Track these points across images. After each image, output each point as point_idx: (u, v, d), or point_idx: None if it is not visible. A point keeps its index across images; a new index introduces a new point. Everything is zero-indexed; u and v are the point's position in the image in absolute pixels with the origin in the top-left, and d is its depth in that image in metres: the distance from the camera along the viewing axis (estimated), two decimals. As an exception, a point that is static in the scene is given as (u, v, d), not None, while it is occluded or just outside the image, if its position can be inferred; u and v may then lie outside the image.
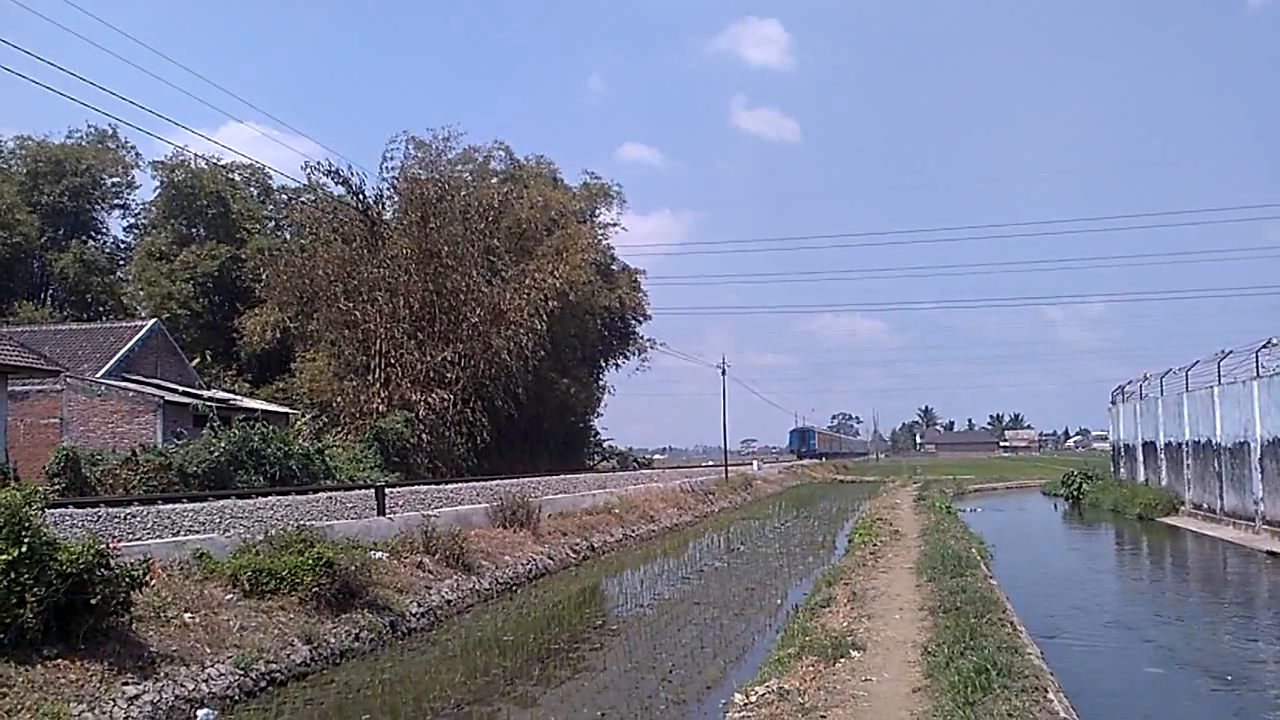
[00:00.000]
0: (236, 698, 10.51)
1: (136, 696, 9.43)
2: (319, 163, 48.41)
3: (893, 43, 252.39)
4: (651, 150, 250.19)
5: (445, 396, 37.83)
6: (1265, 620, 14.82)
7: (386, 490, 21.54)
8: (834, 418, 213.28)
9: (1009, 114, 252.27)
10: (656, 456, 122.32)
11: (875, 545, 20.73)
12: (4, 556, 9.13)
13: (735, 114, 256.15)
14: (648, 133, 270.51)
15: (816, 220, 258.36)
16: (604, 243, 53.01)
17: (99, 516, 14.20)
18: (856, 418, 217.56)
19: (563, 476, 36.40)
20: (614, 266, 55.72)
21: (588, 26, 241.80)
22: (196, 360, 41.38)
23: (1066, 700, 8.10)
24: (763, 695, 8.68)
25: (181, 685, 10.03)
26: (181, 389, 33.55)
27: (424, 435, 36.22)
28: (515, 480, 30.20)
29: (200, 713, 9.84)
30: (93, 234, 55.83)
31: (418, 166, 44.02)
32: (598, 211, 55.44)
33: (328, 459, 29.08)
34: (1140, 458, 36.53)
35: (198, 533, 14.81)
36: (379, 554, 16.13)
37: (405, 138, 44.21)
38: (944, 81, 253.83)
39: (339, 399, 38.37)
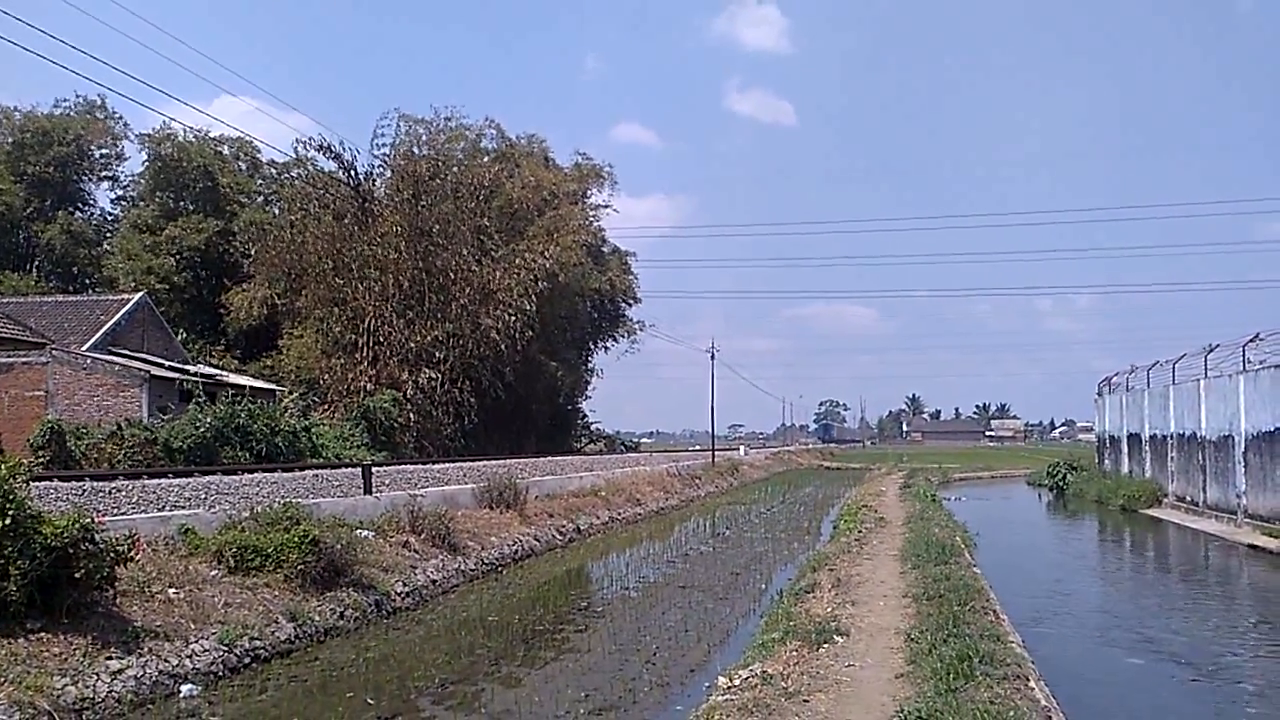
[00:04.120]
0: (220, 674, 10.51)
1: (120, 671, 9.41)
2: (310, 138, 47.95)
3: (888, 29, 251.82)
4: (647, 131, 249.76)
5: (433, 376, 37.74)
6: (1245, 613, 14.96)
7: (373, 469, 21.51)
8: (821, 404, 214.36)
9: (1003, 103, 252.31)
10: (644, 440, 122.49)
11: (860, 532, 20.83)
12: (-13, 529, 9.09)
13: (731, 97, 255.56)
14: (643, 114, 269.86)
15: (809, 206, 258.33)
16: (595, 224, 52.74)
17: (84, 490, 14.15)
18: (844, 405, 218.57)
19: (550, 458, 36.41)
20: (604, 248, 55.48)
21: (584, 5, 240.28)
22: (181, 336, 41.10)
23: (1047, 689, 8.17)
24: (746, 679, 8.72)
25: (165, 660, 10.02)
26: (168, 364, 33.36)
27: (411, 414, 36.16)
28: (502, 461, 30.21)
29: (184, 688, 9.84)
30: (80, 205, 55.28)
31: (409, 143, 43.78)
32: (589, 193, 55.11)
33: (314, 437, 29.02)
34: (1125, 449, 36.77)
35: (183, 508, 14.76)
36: (365, 533, 16.13)
37: (397, 114, 43.91)
38: (938, 70, 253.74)
39: (326, 377, 38.20)
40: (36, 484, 12.12)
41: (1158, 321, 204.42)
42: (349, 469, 22.26)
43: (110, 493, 14.51)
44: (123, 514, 13.50)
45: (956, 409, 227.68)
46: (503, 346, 39.40)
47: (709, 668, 10.69)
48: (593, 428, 64.97)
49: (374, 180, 43.50)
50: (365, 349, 37.84)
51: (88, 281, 50.21)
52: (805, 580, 14.74)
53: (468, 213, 40.70)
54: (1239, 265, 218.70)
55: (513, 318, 39.50)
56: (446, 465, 27.33)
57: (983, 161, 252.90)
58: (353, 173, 41.59)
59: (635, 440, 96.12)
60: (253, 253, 41.40)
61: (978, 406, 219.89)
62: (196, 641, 10.65)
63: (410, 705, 10.05)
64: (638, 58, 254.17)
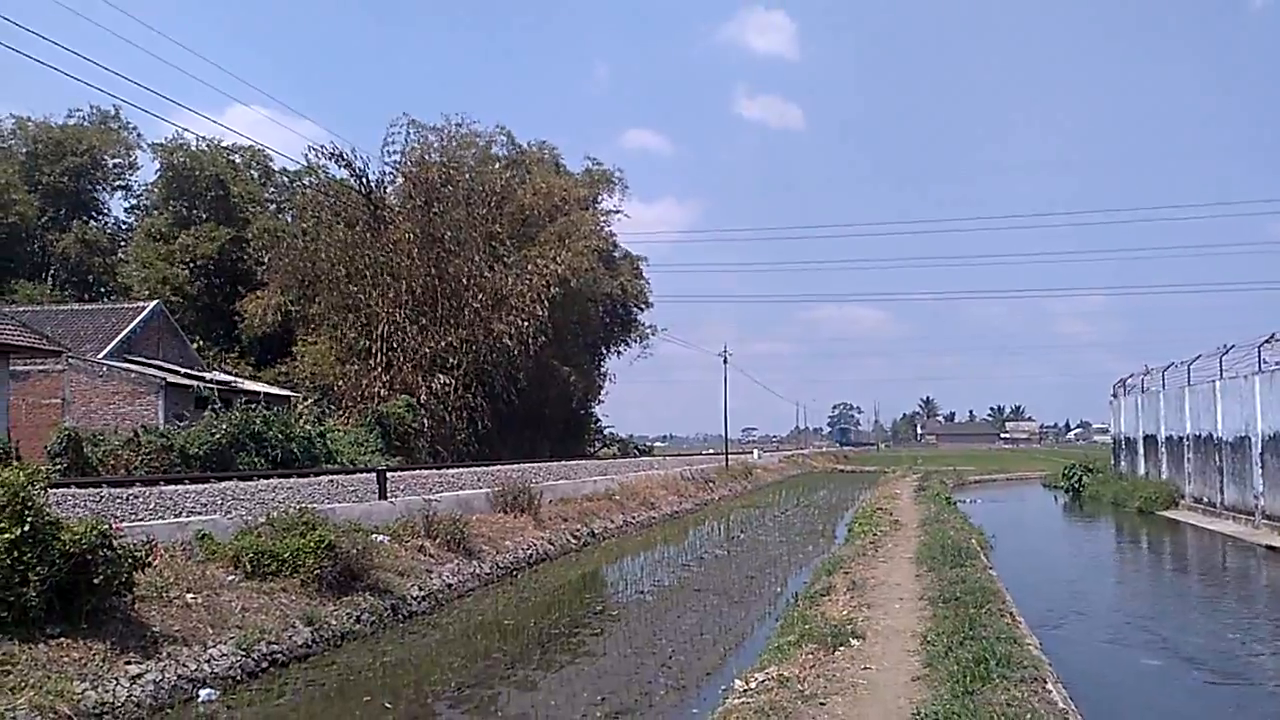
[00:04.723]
0: (238, 678, 10.56)
1: (139, 676, 9.47)
2: (321, 146, 48.31)
3: (896, 32, 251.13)
4: (657, 137, 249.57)
5: (447, 381, 37.86)
6: (1263, 615, 14.85)
7: (388, 474, 21.57)
8: (835, 408, 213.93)
9: (1012, 105, 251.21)
10: (657, 444, 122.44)
11: (875, 535, 20.75)
12: (7, 536, 9.15)
13: (740, 102, 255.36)
14: (653, 119, 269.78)
15: (820, 209, 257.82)
16: (606, 229, 52.79)
17: (101, 497, 14.23)
18: (858, 408, 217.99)
19: (564, 463, 36.45)
20: (616, 253, 55.50)
21: (593, 12, 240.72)
22: (196, 343, 41.33)
23: (1065, 691, 8.13)
24: (762, 682, 8.71)
25: (184, 665, 10.07)
26: (183, 371, 33.56)
27: (425, 420, 36.27)
28: (516, 466, 30.21)
29: (202, 692, 9.89)
30: (94, 214, 55.67)
31: (420, 150, 43.96)
32: (600, 198, 55.15)
33: (329, 442, 29.11)
34: (1141, 451, 36.56)
35: (199, 514, 14.84)
36: (380, 537, 16.19)
37: (407, 121, 44.05)
38: (947, 72, 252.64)
39: (341, 382, 38.39)
40: (54, 491, 12.20)
41: (1171, 323, 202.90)
42: (364, 474, 22.31)
43: (127, 499, 14.59)
44: (140, 520, 13.58)
45: (971, 411, 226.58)
46: (515, 352, 39.50)
47: (725, 671, 10.67)
48: (606, 432, 65.01)
49: (385, 187, 43.71)
50: (379, 355, 37.99)
51: (102, 290, 50.55)
52: (821, 583, 14.71)
53: (479, 219, 40.84)
54: (1252, 265, 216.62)
55: (525, 323, 39.59)
56: (461, 470, 27.36)
57: (992, 163, 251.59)
58: (364, 180, 41.81)
59: (648, 444, 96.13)
60: (266, 260, 41.67)
61: (992, 409, 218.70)
62: (214, 646, 10.70)
63: (427, 709, 10.08)
64: (647, 64, 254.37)
